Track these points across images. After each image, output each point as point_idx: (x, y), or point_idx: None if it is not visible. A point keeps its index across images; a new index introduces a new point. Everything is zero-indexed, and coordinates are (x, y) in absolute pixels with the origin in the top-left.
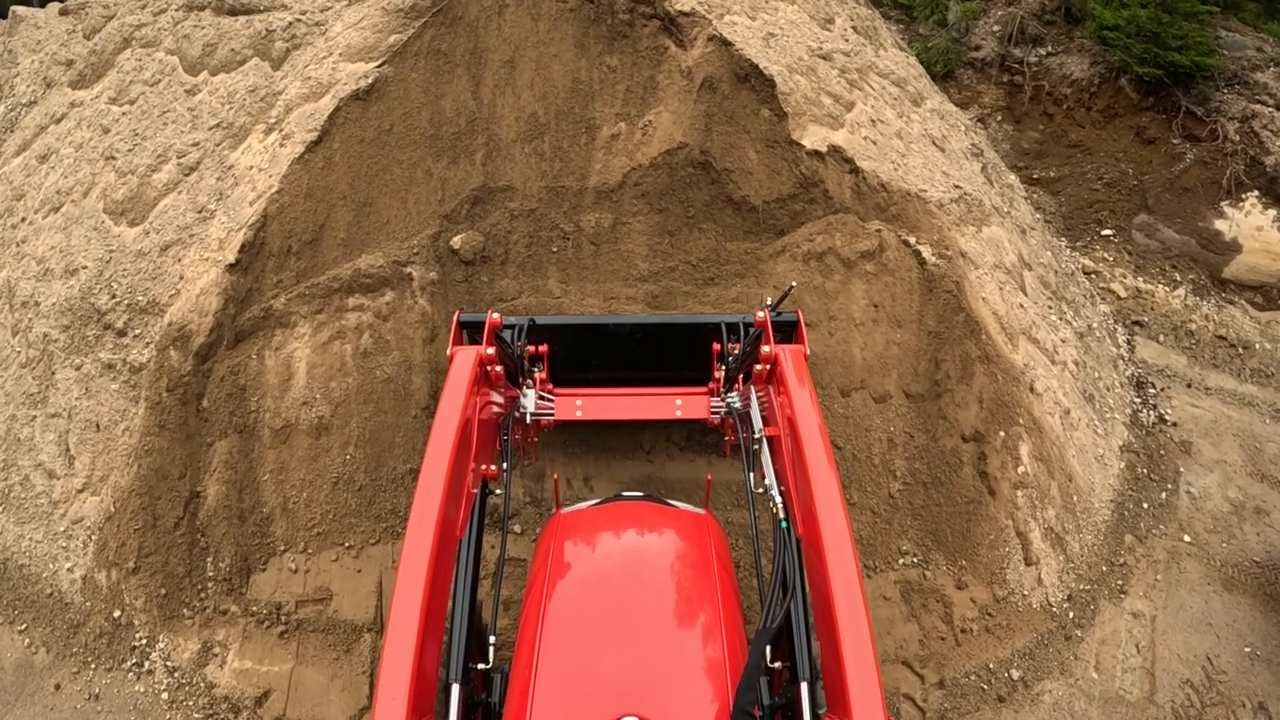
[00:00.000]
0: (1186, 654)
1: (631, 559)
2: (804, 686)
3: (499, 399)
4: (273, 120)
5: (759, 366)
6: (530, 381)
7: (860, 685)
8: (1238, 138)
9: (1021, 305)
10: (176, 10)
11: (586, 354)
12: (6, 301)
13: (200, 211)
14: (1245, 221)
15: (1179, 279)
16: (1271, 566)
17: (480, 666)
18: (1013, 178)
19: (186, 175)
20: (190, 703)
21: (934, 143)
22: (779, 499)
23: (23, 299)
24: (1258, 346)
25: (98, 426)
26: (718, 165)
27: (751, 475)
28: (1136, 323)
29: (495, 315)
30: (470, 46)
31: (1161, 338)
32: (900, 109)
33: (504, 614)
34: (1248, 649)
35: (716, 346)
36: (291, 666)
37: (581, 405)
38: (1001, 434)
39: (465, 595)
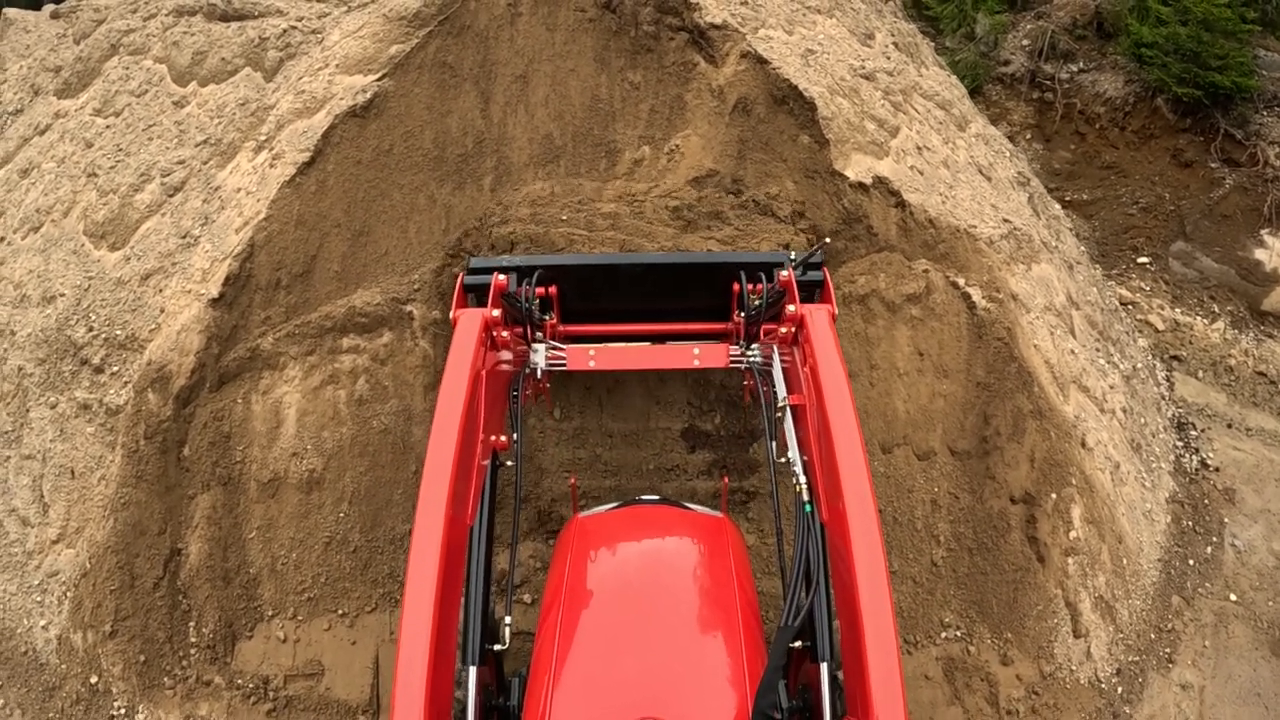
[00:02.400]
0: None
1: (649, 563)
2: (824, 668)
3: (508, 358)
4: (263, 137)
5: (783, 329)
6: (540, 334)
7: (883, 686)
8: (1279, 163)
9: (1072, 351)
10: (166, 15)
11: (600, 295)
12: None
13: (184, 237)
14: None
15: (1217, 311)
16: None
17: (496, 648)
18: (1058, 208)
19: (170, 196)
20: None
21: (980, 171)
22: (803, 477)
23: None
24: None
25: (73, 473)
26: (751, 195)
27: (774, 444)
28: (1175, 358)
29: (501, 277)
30: (479, 59)
31: (1200, 374)
32: (946, 134)
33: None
34: None
35: (736, 287)
36: None
37: (595, 355)
38: (1053, 496)
39: (480, 580)
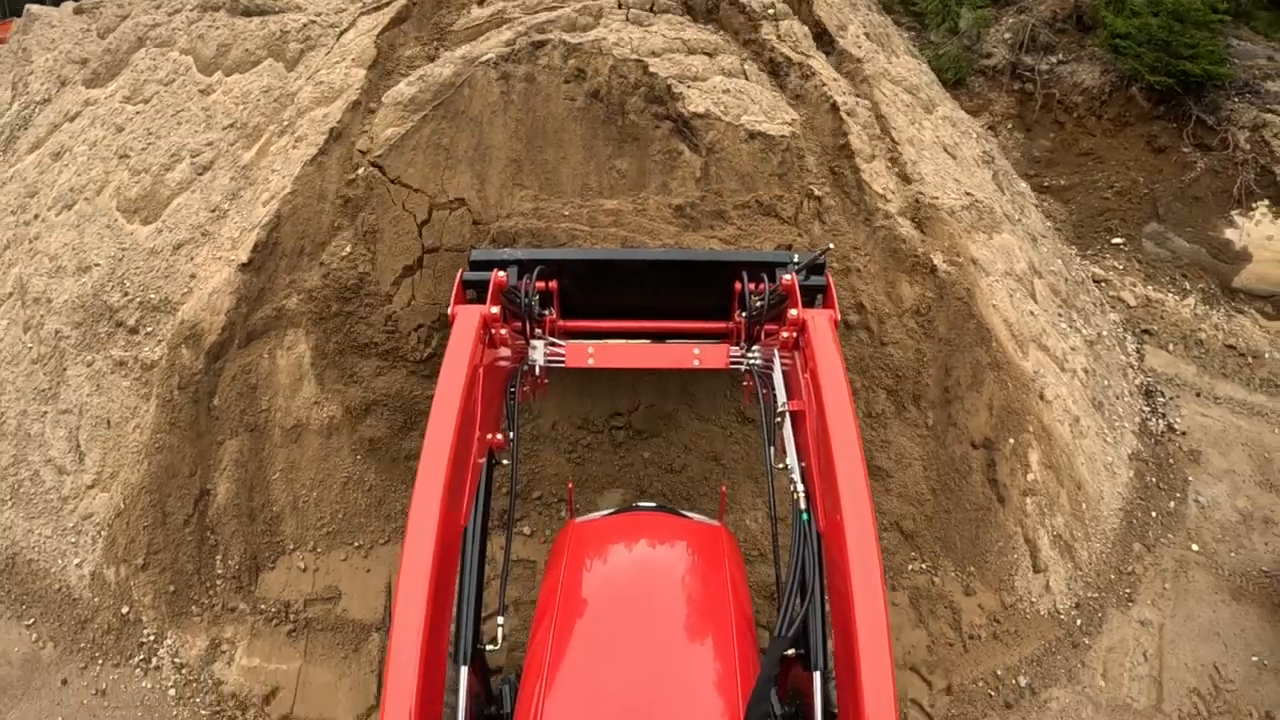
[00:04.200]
0: (1194, 663)
1: (645, 571)
2: (816, 677)
3: (506, 354)
4: (285, 122)
5: (785, 334)
6: (540, 330)
7: (875, 698)
8: (1248, 147)
9: (1032, 313)
10: (191, 10)
11: (601, 291)
12: (19, 298)
13: (213, 211)
14: (1256, 231)
15: (1189, 288)
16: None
17: (490, 647)
18: (1024, 185)
19: (200, 174)
20: (197, 699)
21: (945, 149)
22: (800, 484)
23: (35, 295)
24: (1267, 356)
25: (108, 423)
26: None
27: (772, 450)
28: (1146, 331)
29: (501, 274)
30: (474, 143)
31: (1171, 347)
32: (912, 115)
33: (515, 614)
34: (1255, 658)
35: (738, 286)
36: (299, 665)
37: (594, 353)
38: (1011, 441)
39: (473, 579)
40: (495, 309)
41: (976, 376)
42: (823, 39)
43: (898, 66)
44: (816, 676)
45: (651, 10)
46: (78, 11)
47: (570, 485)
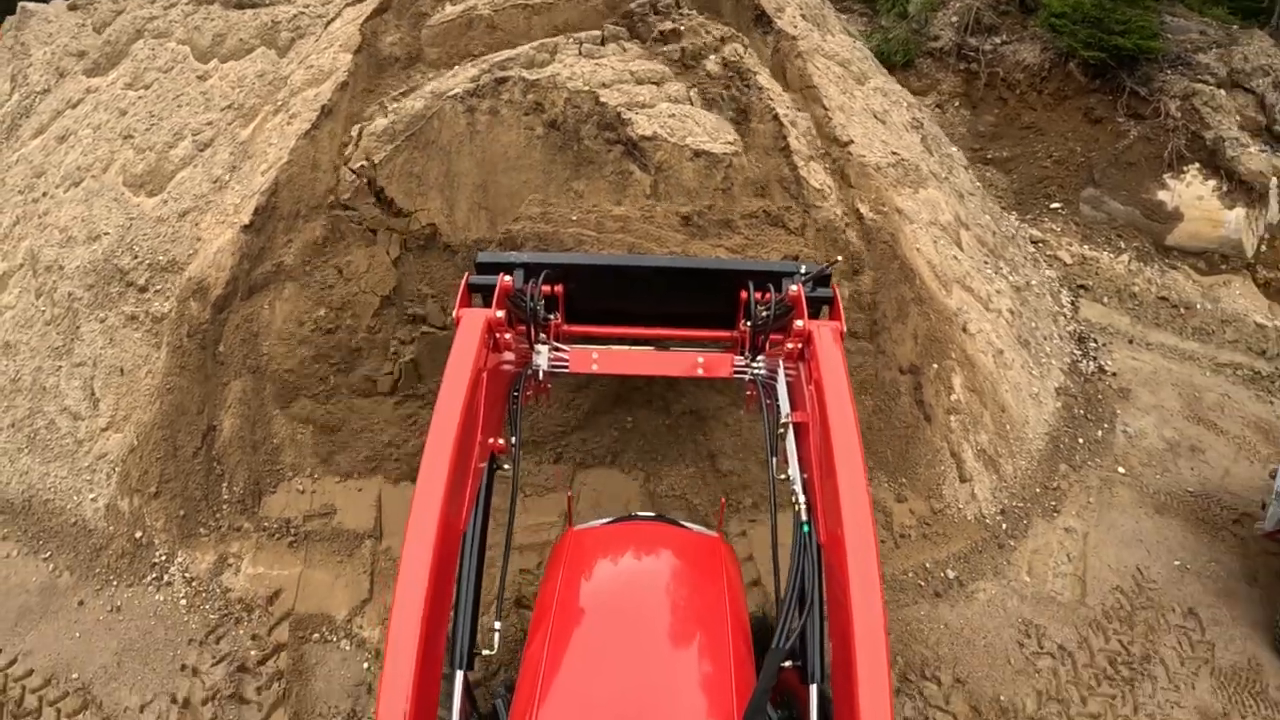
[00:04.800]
0: (1117, 565)
1: (642, 582)
2: (813, 689)
3: (510, 358)
4: (280, 102)
5: (790, 345)
6: (544, 336)
7: (872, 708)
8: (1179, 115)
9: (955, 257)
10: (186, 4)
11: (607, 297)
12: (30, 268)
13: (215, 182)
14: (1187, 192)
15: (1123, 246)
16: (1205, 496)
17: (485, 653)
18: (953, 149)
19: (201, 150)
20: (207, 606)
21: (875, 116)
22: (802, 496)
23: (46, 264)
24: (1199, 307)
25: (121, 371)
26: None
27: (774, 460)
28: (1082, 286)
29: (507, 278)
30: (444, 170)
31: (1105, 300)
32: (844, 86)
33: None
34: (1177, 563)
35: (744, 295)
36: (300, 570)
37: (598, 358)
38: (935, 366)
39: (470, 585)
40: (500, 313)
41: (902, 310)
42: (761, 19)
43: (832, 43)
44: (814, 689)
45: (601, 44)
46: (72, 7)
47: (570, 495)
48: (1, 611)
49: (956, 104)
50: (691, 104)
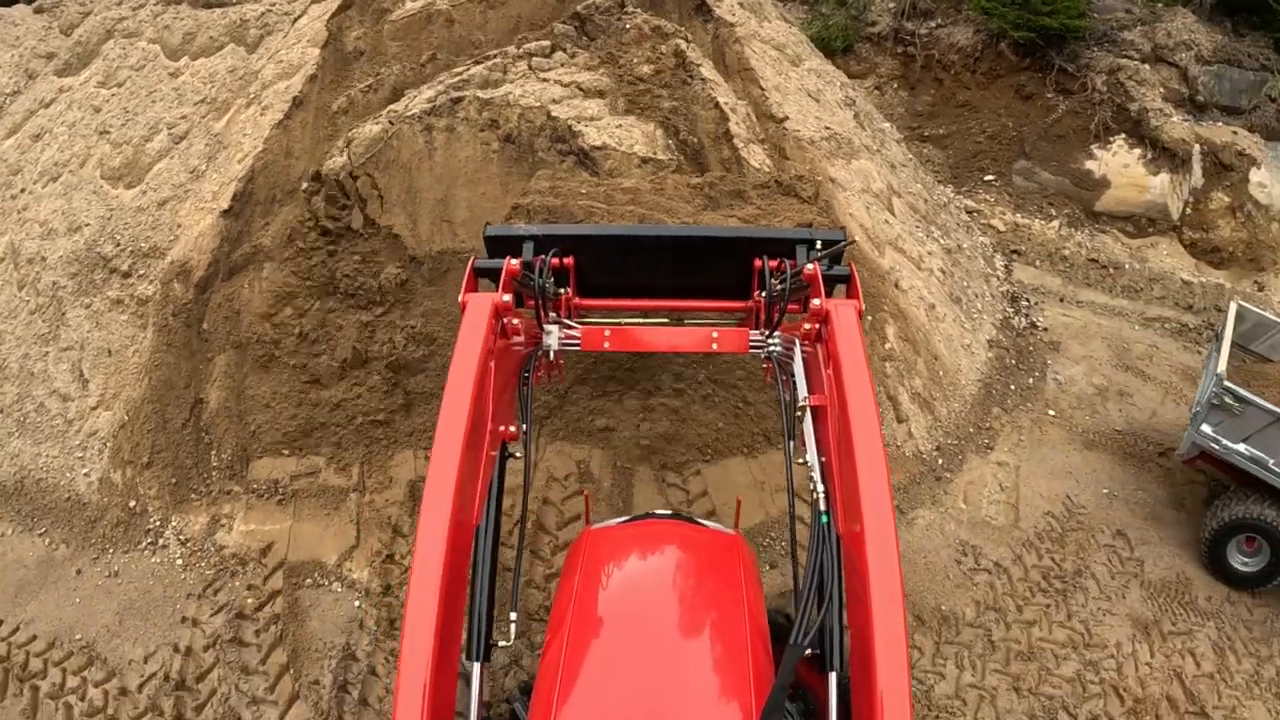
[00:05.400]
0: (1048, 493)
1: (660, 580)
2: (832, 678)
3: (519, 340)
4: (252, 95)
5: (807, 325)
6: (554, 313)
7: (892, 702)
8: (1105, 89)
9: (887, 222)
10: (155, 5)
11: (619, 269)
12: (10, 261)
13: (192, 172)
14: (1113, 161)
15: (1054, 214)
16: (1132, 434)
17: (502, 644)
18: (886, 124)
19: (177, 143)
20: (202, 564)
21: (810, 94)
22: (820, 485)
23: (28, 257)
24: (1128, 267)
25: (109, 352)
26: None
27: (791, 444)
28: (1015, 251)
29: (514, 262)
30: (405, 186)
31: (1038, 263)
32: (779, 68)
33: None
34: (1106, 491)
35: (758, 263)
36: (289, 524)
37: (610, 335)
38: (869, 318)
39: (485, 578)
40: (507, 297)
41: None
42: (702, 9)
43: (768, 29)
44: (832, 677)
45: (550, 54)
46: (38, 10)
47: (586, 493)
48: (1, 586)
49: (895, 85)
50: (633, 115)
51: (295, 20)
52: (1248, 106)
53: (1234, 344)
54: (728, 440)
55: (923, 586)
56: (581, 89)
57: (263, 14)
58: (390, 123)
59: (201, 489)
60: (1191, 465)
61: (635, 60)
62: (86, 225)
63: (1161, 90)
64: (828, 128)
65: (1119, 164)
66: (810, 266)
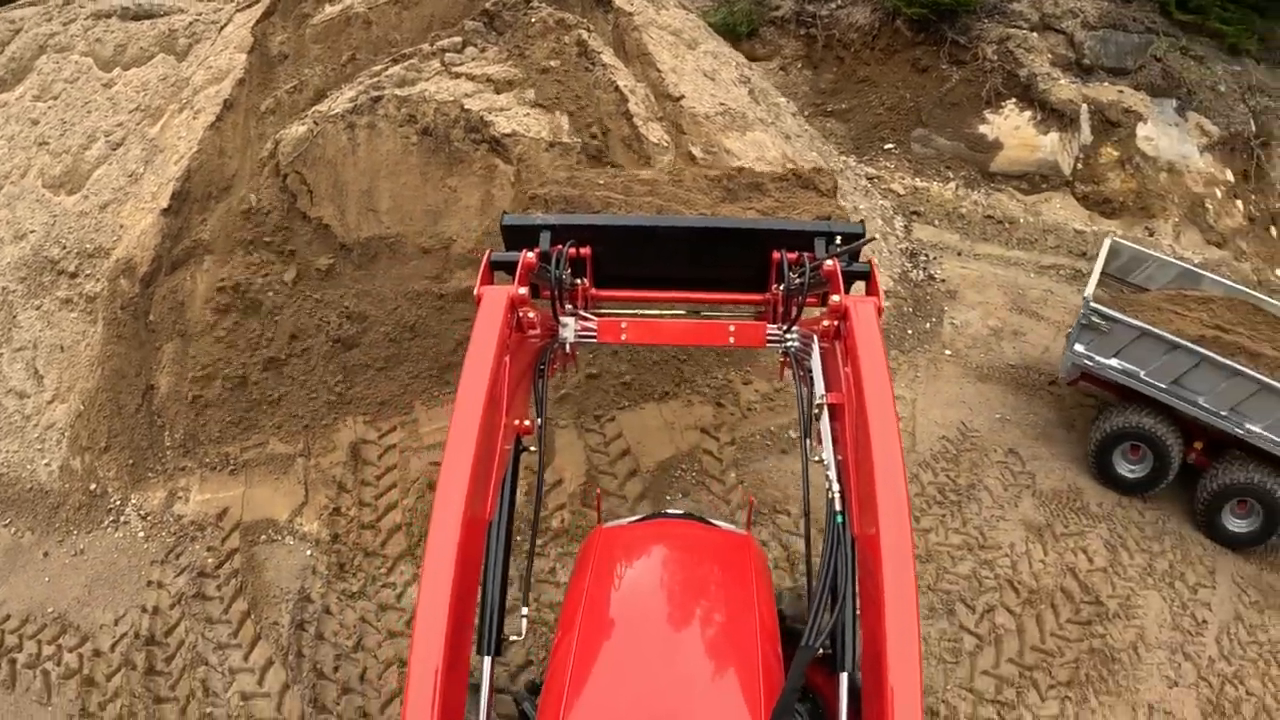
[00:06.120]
0: (943, 420)
1: (671, 580)
2: (843, 678)
3: (535, 332)
4: (184, 100)
5: (825, 323)
6: (571, 305)
7: (903, 706)
8: (995, 58)
9: None
10: (86, 19)
11: (637, 260)
12: None
13: (130, 176)
14: (1005, 124)
15: (951, 176)
16: (1024, 366)
17: (513, 638)
18: (781, 99)
19: (115, 150)
20: (163, 533)
21: (705, 75)
22: (836, 484)
23: None
24: (1023, 221)
25: (62, 348)
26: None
27: (808, 441)
28: (914, 212)
29: (530, 254)
30: (332, 180)
31: (936, 222)
32: (676, 52)
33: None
34: (998, 416)
35: (775, 256)
36: (242, 490)
37: (627, 328)
38: None
39: (497, 571)
40: (523, 290)
41: None
42: (602, 1)
43: (665, 16)
44: (843, 678)
45: (461, 49)
46: None
47: (599, 492)
48: None
49: (799, 65)
50: (541, 103)
51: (221, 28)
52: (1134, 67)
53: (1114, 276)
54: (639, 388)
55: (824, 505)
56: (492, 81)
57: (190, 23)
58: (315, 122)
59: (157, 467)
60: (1075, 387)
61: (541, 52)
62: (32, 232)
63: (1049, 56)
64: (722, 104)
65: (1010, 126)
66: (830, 263)
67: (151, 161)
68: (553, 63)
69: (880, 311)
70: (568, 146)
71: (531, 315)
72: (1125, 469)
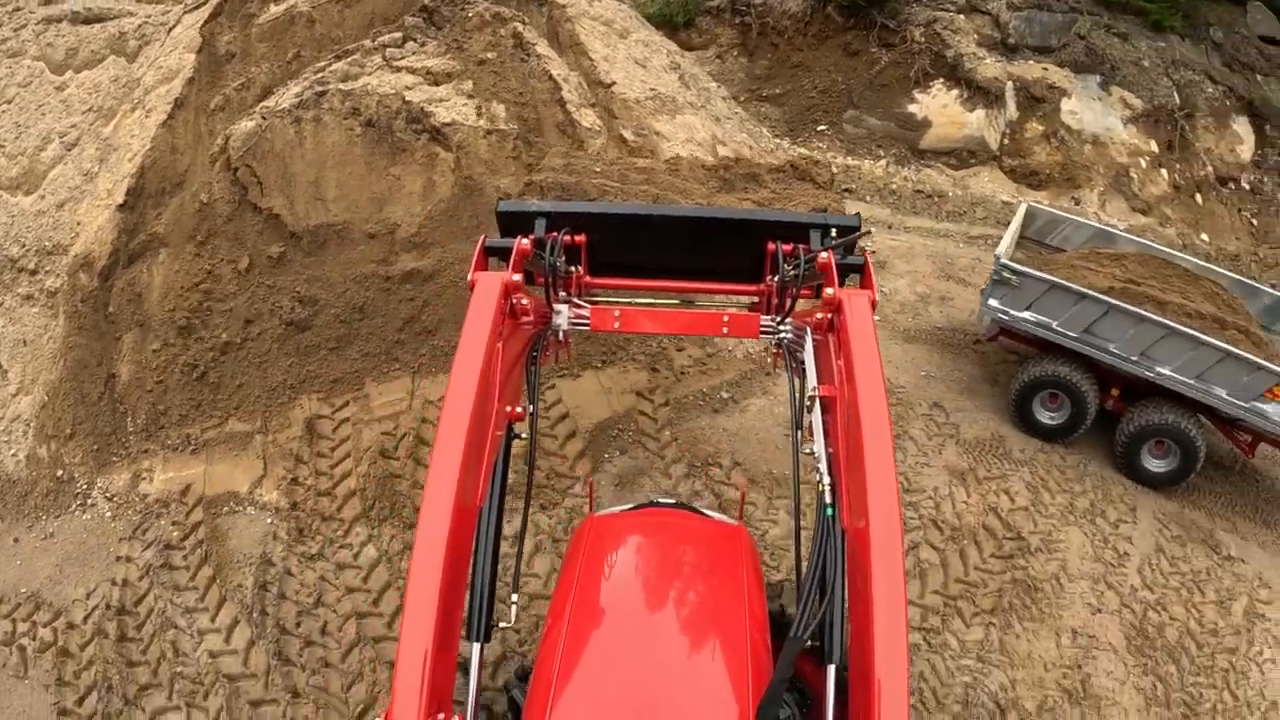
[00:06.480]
0: None
1: (661, 569)
2: (830, 670)
3: (528, 319)
4: (136, 100)
5: (819, 315)
6: (565, 292)
7: (890, 700)
8: (923, 40)
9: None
10: (36, 25)
11: (632, 248)
12: None
13: (85, 175)
14: (933, 103)
15: (882, 154)
16: (951, 329)
17: (503, 625)
18: (712, 85)
19: (69, 150)
20: (129, 512)
21: (636, 62)
22: (826, 477)
23: None
24: (951, 194)
25: (24, 342)
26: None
27: (799, 433)
28: (846, 190)
29: (525, 241)
30: (281, 172)
31: (868, 198)
32: (608, 41)
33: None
34: (924, 373)
35: (771, 246)
36: (204, 468)
37: (620, 316)
38: None
39: (487, 557)
40: (518, 276)
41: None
42: None
43: (598, 7)
44: (830, 670)
45: (401, 45)
46: None
47: (590, 480)
48: None
49: (735, 53)
50: (478, 93)
51: (170, 29)
52: (1058, 45)
53: (1033, 239)
54: (578, 358)
55: (756, 457)
56: (431, 74)
57: (139, 26)
58: (263, 118)
59: (121, 451)
60: (996, 343)
61: (478, 44)
62: None
63: (975, 36)
64: (653, 89)
65: (938, 105)
66: (825, 255)
67: (106, 160)
68: (489, 55)
69: (874, 305)
70: (504, 133)
71: (525, 302)
72: (1045, 416)
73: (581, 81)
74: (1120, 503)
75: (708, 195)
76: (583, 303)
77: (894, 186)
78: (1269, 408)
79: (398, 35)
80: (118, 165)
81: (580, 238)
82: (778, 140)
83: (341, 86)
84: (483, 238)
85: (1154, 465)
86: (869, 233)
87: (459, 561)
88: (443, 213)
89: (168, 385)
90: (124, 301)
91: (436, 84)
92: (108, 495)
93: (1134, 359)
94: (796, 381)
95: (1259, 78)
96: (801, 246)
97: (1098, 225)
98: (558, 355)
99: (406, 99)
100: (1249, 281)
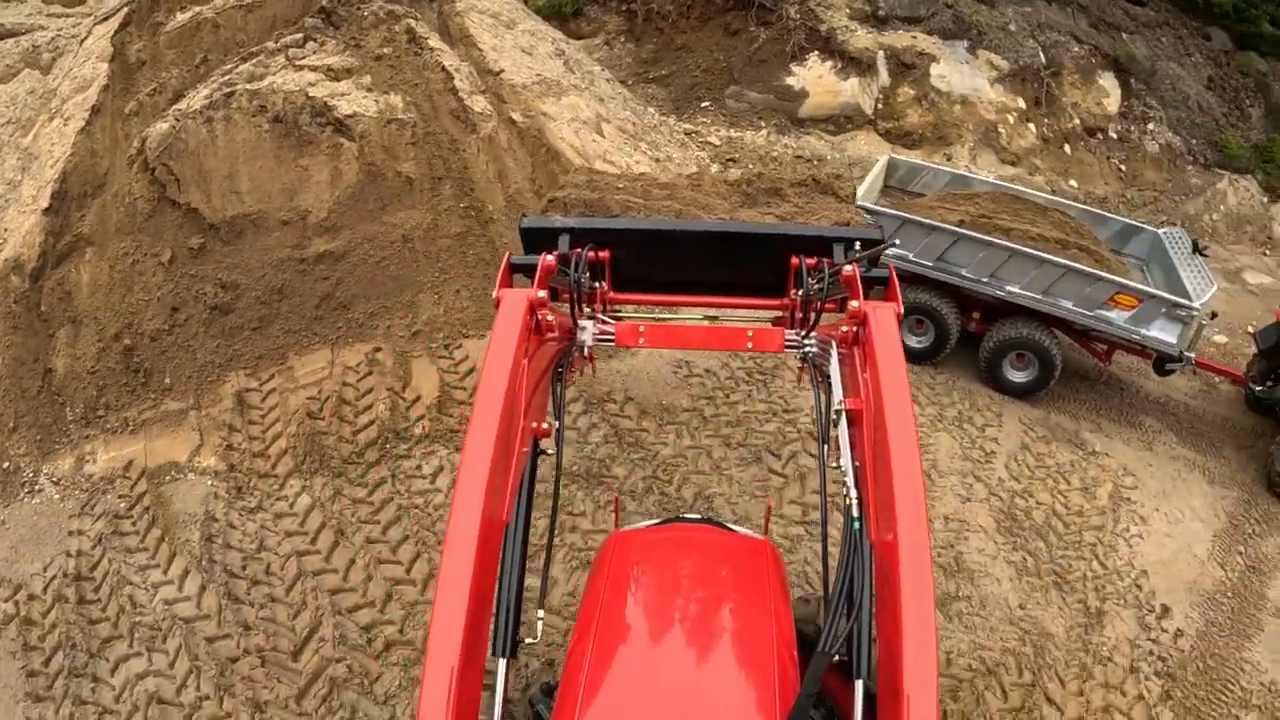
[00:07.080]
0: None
1: (687, 585)
2: (859, 685)
3: (553, 335)
4: (54, 110)
5: (844, 328)
6: (589, 308)
7: (919, 714)
8: (798, 16)
9: (596, 141)
10: None
11: (656, 264)
12: None
13: (9, 183)
14: (809, 75)
15: (763, 125)
16: None
17: (528, 641)
18: (596, 68)
19: None
20: (76, 492)
21: (523, 50)
22: (853, 491)
23: None
24: (829, 157)
25: None
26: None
27: (825, 447)
28: (730, 159)
29: (549, 258)
30: (196, 169)
31: (750, 165)
32: (495, 32)
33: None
34: None
35: (795, 261)
36: (144, 444)
37: (645, 332)
38: None
39: (514, 573)
40: (543, 293)
41: (552, 180)
42: None
43: (485, 1)
44: (859, 685)
45: (303, 44)
46: None
47: (616, 497)
48: None
49: (622, 39)
50: (376, 86)
51: (82, 41)
52: (926, 15)
53: (897, 187)
54: (485, 321)
55: (647, 392)
56: (332, 71)
57: (52, 39)
58: (176, 119)
59: (63, 439)
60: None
61: (374, 41)
62: None
63: (847, 11)
64: (539, 74)
65: (814, 76)
66: (849, 268)
67: (28, 168)
68: (385, 50)
69: (900, 317)
70: (402, 122)
71: (550, 318)
72: (912, 341)
73: (472, 71)
74: (987, 410)
75: (730, 210)
76: (607, 319)
77: (775, 154)
78: (1113, 314)
79: (299, 36)
80: (40, 172)
81: (604, 253)
82: (665, 118)
83: (248, 86)
84: (507, 255)
85: (1016, 376)
86: (894, 244)
87: (486, 576)
88: (350, 198)
89: (102, 375)
90: (55, 300)
91: (337, 80)
92: (54, 480)
93: (985, 281)
94: (822, 395)
95: (1124, 36)
96: (825, 260)
97: (954, 171)
98: (582, 370)
99: (310, 95)
100: (1097, 211)
